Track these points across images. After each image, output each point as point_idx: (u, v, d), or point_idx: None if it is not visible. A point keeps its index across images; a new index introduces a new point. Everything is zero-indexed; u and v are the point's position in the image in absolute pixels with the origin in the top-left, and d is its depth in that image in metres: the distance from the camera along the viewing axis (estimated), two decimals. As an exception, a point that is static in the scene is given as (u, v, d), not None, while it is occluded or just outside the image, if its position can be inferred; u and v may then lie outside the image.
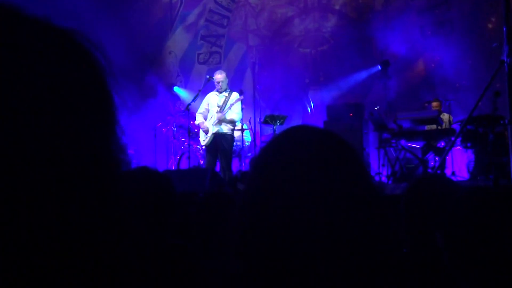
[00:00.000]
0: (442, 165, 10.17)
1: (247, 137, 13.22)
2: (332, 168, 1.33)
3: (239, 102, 11.39)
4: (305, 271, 1.25)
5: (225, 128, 11.35)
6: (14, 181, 0.72)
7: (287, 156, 1.35)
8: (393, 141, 11.39)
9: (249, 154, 12.70)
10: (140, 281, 0.90)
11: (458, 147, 10.91)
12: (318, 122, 13.73)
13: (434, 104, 12.43)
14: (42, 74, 0.78)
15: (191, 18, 17.49)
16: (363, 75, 15.16)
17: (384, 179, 11.12)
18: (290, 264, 1.26)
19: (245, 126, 12.73)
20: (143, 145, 14.51)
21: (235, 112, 11.34)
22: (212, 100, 11.60)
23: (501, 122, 8.96)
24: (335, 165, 1.34)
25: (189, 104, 12.13)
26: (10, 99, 0.73)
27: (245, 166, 12.18)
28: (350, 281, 1.26)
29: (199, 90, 12.02)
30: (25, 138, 0.74)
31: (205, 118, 11.61)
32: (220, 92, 11.54)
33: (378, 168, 11.42)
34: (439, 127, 11.02)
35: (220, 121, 11.27)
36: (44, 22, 0.83)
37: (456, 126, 11.00)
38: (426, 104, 12.86)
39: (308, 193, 1.28)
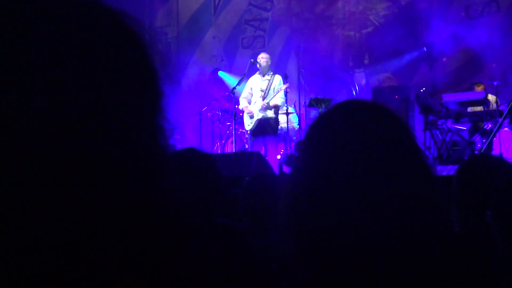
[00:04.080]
0: (489, 146, 10.03)
1: (295, 121, 13.19)
2: (385, 142, 1.32)
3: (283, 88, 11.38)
4: (358, 248, 1.26)
5: (270, 113, 11.36)
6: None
7: (338, 131, 1.35)
8: (439, 123, 11.27)
9: (295, 137, 12.66)
10: (192, 260, 0.92)
11: (506, 129, 10.74)
12: (363, 105, 13.61)
13: (477, 87, 12.24)
14: (93, 54, 0.79)
15: (234, 2, 17.44)
16: (408, 57, 14.98)
17: (430, 161, 11.02)
18: (343, 242, 1.26)
19: (291, 110, 12.69)
20: (188, 130, 14.56)
21: (278, 97, 11.34)
22: (255, 84, 11.59)
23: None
24: (388, 139, 1.33)
25: (234, 88, 12.13)
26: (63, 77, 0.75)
27: (291, 149, 12.16)
28: (403, 260, 1.26)
29: (244, 74, 12.01)
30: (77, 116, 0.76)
31: (249, 102, 11.62)
32: (263, 76, 11.53)
33: (425, 150, 11.30)
34: (486, 108, 10.87)
35: (264, 107, 11.29)
36: (95, 2, 0.85)
37: (503, 108, 10.82)
38: (472, 85, 12.68)
39: (361, 170, 1.28)
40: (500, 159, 3.34)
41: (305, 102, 13.00)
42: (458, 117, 11.08)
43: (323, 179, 1.30)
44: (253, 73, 11.86)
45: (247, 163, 8.63)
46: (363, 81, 15.78)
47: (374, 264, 1.25)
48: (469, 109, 11.34)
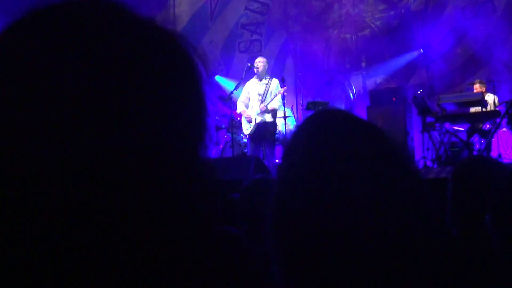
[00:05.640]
0: (488, 147, 10.04)
1: (292, 124, 13.21)
2: (361, 151, 1.31)
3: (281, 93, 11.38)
4: (344, 258, 1.24)
5: (268, 117, 11.35)
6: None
7: (313, 141, 1.34)
8: (437, 124, 11.28)
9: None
10: (192, 266, 0.92)
11: (504, 129, 10.74)
12: (361, 107, 13.70)
13: (476, 86, 12.22)
14: (147, 76, 0.82)
15: (231, 7, 17.47)
16: (405, 58, 15.00)
17: (429, 163, 11.02)
18: (328, 252, 1.25)
19: (289, 113, 12.69)
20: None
21: (276, 100, 11.34)
22: (253, 88, 11.59)
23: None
24: (364, 148, 1.32)
25: (231, 93, 12.13)
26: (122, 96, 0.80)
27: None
28: (397, 267, 1.24)
29: (241, 79, 12.00)
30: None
31: (246, 107, 11.61)
32: (260, 80, 11.53)
33: (423, 152, 11.31)
34: (483, 109, 10.86)
35: (262, 111, 11.29)
36: (151, 23, 0.87)
37: (501, 108, 10.82)
38: (469, 85, 12.68)
39: (339, 179, 1.27)
40: (495, 161, 3.33)
41: (302, 105, 13.00)
42: (456, 118, 11.09)
43: (299, 187, 1.29)
44: (250, 77, 11.85)
45: (245, 167, 8.64)
46: (361, 84, 15.79)
47: (362, 273, 1.23)
48: (471, 109, 11.34)
